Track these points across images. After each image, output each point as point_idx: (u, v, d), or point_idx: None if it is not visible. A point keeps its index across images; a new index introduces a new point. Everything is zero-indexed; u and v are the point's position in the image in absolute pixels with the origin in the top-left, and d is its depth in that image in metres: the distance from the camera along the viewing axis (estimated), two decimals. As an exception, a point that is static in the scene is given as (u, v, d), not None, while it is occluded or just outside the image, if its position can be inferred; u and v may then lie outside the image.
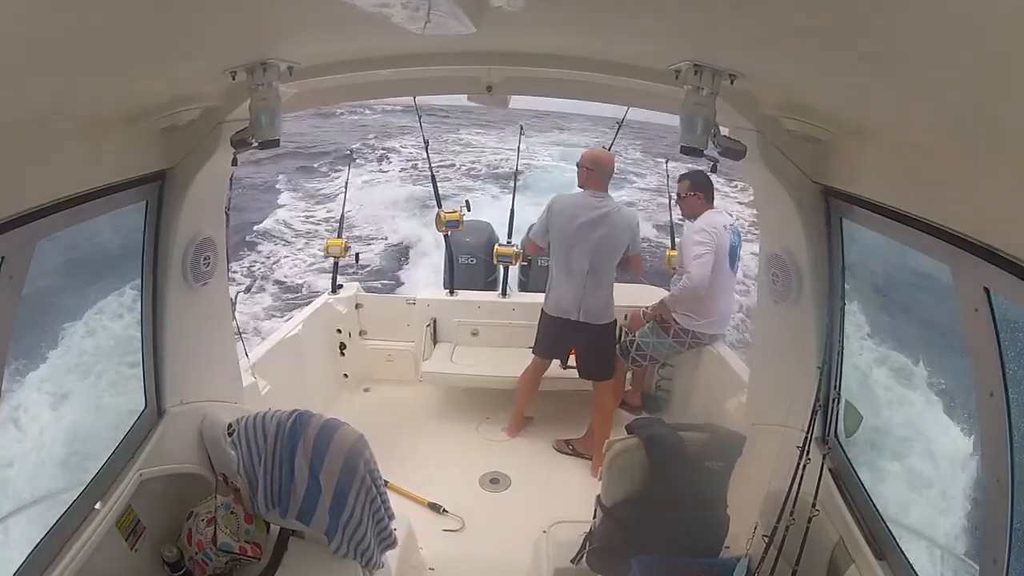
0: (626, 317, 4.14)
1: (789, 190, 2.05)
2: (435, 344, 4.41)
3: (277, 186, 14.90)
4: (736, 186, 12.57)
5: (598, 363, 3.66)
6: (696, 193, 3.62)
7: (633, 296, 4.17)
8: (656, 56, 1.76)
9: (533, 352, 3.83)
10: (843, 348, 2.04)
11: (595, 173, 3.51)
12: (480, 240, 4.95)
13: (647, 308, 3.86)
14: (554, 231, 3.54)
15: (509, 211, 4.76)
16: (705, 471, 2.25)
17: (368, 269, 9.59)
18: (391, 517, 2.31)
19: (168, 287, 2.19)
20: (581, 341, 3.63)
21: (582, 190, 3.54)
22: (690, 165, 3.72)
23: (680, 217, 3.98)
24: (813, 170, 2.02)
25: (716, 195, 3.69)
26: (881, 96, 1.30)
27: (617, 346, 3.78)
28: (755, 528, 2.03)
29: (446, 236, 4.58)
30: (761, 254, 2.41)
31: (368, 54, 2.00)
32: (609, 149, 4.91)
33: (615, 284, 3.58)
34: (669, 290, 3.81)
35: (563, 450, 3.80)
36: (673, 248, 4.54)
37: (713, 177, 3.63)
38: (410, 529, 2.80)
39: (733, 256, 3.59)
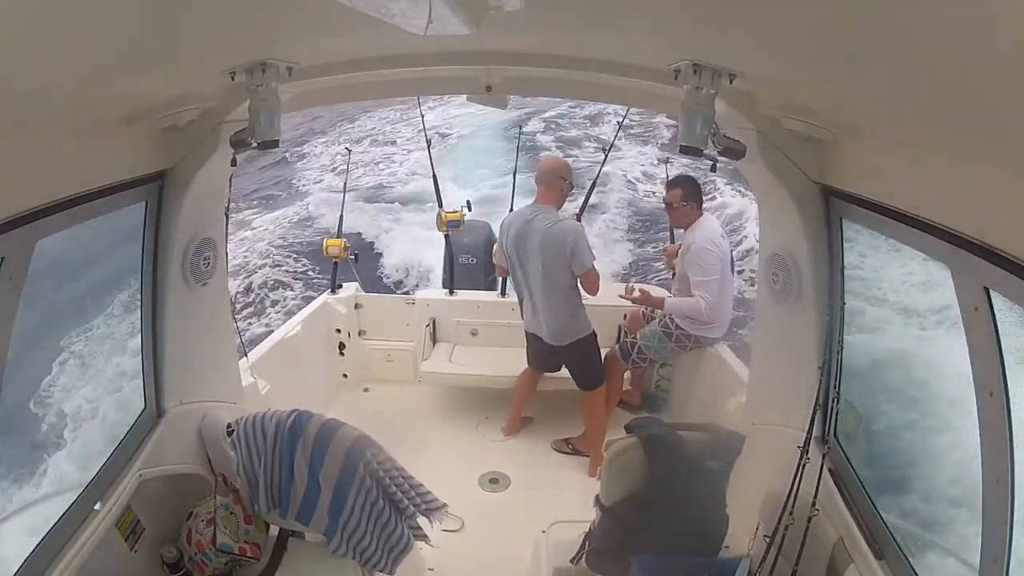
0: (625, 317, 4.14)
1: (789, 190, 2.06)
2: (434, 344, 4.40)
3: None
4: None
5: (582, 377, 3.63)
6: (689, 204, 3.52)
7: None
8: (656, 56, 1.76)
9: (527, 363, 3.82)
10: (843, 348, 2.04)
11: (541, 185, 3.40)
12: (480, 240, 4.94)
13: (647, 309, 3.84)
14: (503, 250, 3.50)
15: (509, 212, 4.75)
16: (704, 471, 2.24)
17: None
18: (408, 516, 2.26)
19: (168, 287, 2.19)
20: (561, 357, 3.61)
21: (532, 203, 3.45)
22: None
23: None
24: (813, 170, 2.02)
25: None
26: (881, 96, 1.30)
27: (617, 347, 3.76)
28: (756, 528, 2.03)
29: (446, 236, 4.57)
30: (761, 254, 2.41)
31: (368, 54, 2.00)
32: (608, 150, 4.91)
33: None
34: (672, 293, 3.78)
35: (562, 449, 3.79)
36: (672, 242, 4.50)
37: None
38: None
39: (732, 262, 3.57)
